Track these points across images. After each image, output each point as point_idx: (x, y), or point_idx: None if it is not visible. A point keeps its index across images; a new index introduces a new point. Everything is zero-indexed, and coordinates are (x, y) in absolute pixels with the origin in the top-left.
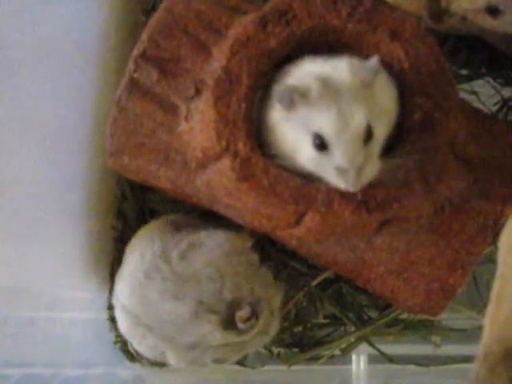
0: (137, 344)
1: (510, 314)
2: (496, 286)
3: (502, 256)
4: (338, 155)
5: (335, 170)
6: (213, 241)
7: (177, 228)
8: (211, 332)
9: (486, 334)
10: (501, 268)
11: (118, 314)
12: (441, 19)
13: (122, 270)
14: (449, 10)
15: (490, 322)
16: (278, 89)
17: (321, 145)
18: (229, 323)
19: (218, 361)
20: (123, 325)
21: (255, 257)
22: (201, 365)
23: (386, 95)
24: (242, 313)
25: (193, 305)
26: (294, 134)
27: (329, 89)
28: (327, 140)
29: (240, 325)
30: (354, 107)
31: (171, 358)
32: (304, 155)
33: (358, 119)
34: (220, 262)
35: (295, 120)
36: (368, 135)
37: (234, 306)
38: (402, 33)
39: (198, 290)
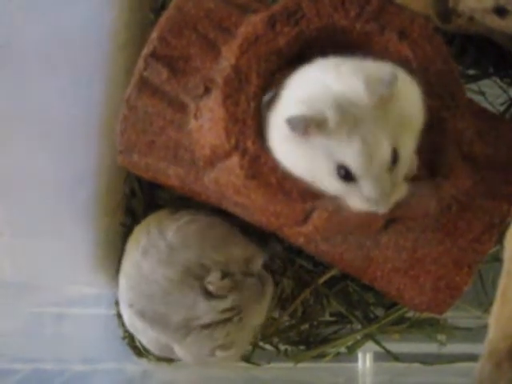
0: (143, 340)
1: None
2: (501, 283)
3: (507, 253)
4: (367, 187)
5: (361, 198)
6: (209, 218)
7: (173, 213)
8: (195, 301)
9: (492, 332)
10: (506, 265)
11: (122, 311)
12: (448, 19)
13: (121, 267)
14: (456, 10)
15: (496, 319)
16: (292, 119)
17: (346, 176)
18: (209, 293)
19: (223, 347)
20: (127, 321)
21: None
22: (206, 355)
23: (410, 101)
24: (211, 277)
25: (179, 270)
26: (309, 160)
27: (347, 116)
28: (353, 173)
29: (212, 288)
30: (377, 134)
31: (177, 351)
32: (326, 183)
33: (383, 148)
34: (207, 233)
35: (311, 147)
36: (394, 159)
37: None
38: (410, 33)
39: (184, 256)
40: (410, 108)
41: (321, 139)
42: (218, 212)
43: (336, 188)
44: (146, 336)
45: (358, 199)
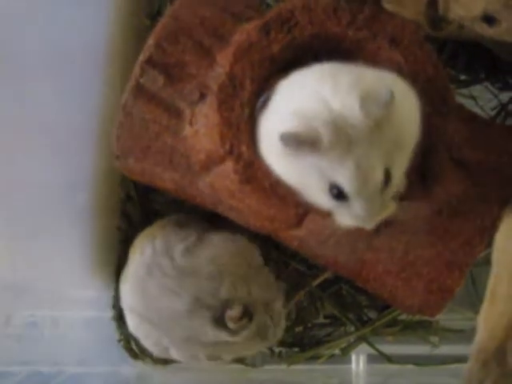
0: (143, 341)
1: (503, 312)
2: (490, 285)
3: (495, 256)
4: (358, 208)
5: (351, 215)
6: (220, 239)
7: (180, 226)
8: (202, 327)
9: (480, 332)
10: (495, 268)
11: (126, 314)
12: (439, 26)
13: (125, 272)
14: (446, 18)
15: (484, 320)
16: (284, 132)
17: (339, 194)
18: (222, 322)
19: (210, 357)
20: (130, 324)
21: (258, 260)
22: (198, 360)
23: (406, 119)
24: (233, 312)
25: (189, 300)
26: (300, 174)
27: (341, 136)
28: (346, 193)
29: (230, 324)
30: (371, 156)
31: (173, 353)
32: (316, 198)
33: (377, 170)
34: (223, 261)
35: (303, 163)
36: (386, 179)
37: (228, 305)
38: (401, 40)
39: (196, 285)
40: (406, 126)
41: (314, 156)
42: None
43: (326, 204)
44: (149, 338)
45: (348, 216)
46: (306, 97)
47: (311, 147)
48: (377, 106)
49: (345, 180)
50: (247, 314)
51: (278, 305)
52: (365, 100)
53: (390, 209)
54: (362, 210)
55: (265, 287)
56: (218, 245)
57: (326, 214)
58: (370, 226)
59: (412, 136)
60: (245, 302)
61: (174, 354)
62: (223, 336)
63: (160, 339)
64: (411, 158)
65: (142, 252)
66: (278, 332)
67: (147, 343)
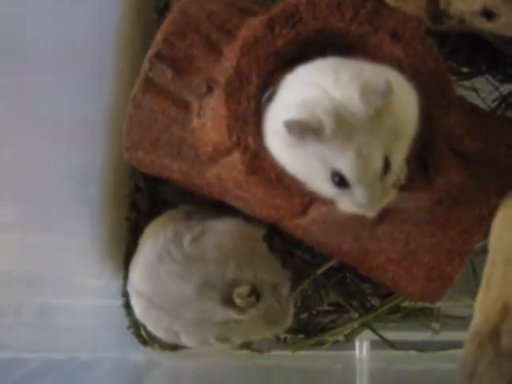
0: (152, 327)
1: (497, 297)
2: (486, 271)
3: (491, 244)
4: (359, 194)
5: (352, 202)
6: (223, 226)
7: (189, 216)
8: (212, 307)
9: (476, 315)
10: (490, 255)
11: (133, 300)
12: (440, 21)
13: (135, 259)
14: (447, 12)
15: (480, 303)
16: (288, 120)
17: (340, 182)
18: (230, 300)
19: (219, 338)
20: (138, 309)
21: (263, 246)
22: (207, 343)
23: (404, 109)
24: (241, 289)
25: (198, 284)
26: (304, 162)
27: (342, 125)
28: (348, 180)
29: (237, 300)
30: (371, 144)
31: (183, 338)
32: (319, 186)
33: (377, 157)
34: (227, 246)
35: (306, 151)
36: (386, 167)
37: (235, 285)
38: (403, 34)
39: (203, 270)
40: (404, 116)
41: (316, 145)
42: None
43: (329, 192)
44: (158, 324)
45: (349, 203)
46: (309, 88)
47: (314, 135)
48: (376, 96)
49: (346, 167)
50: (254, 293)
51: (286, 290)
52: (364, 90)
53: (390, 196)
54: (363, 196)
55: (270, 271)
56: (220, 232)
57: (331, 203)
58: (371, 213)
59: (410, 125)
60: (252, 283)
61: (184, 339)
62: (232, 314)
63: (170, 325)
64: (411, 148)
65: (153, 240)
66: (288, 318)
67: (156, 329)
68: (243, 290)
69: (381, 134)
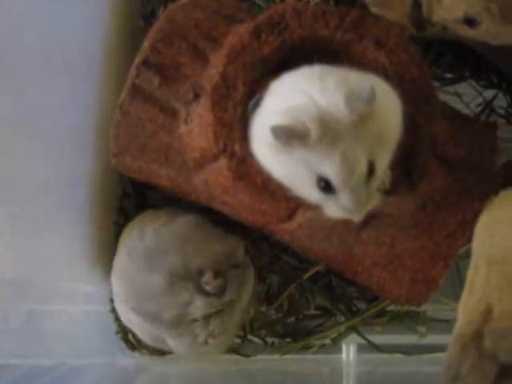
0: (139, 334)
1: (480, 300)
2: (469, 275)
3: (475, 248)
4: (345, 199)
5: (338, 207)
6: (183, 218)
7: (155, 213)
8: (191, 299)
9: (459, 318)
10: (474, 259)
11: (116, 305)
12: (423, 28)
13: (113, 264)
14: (430, 20)
15: (463, 306)
16: (274, 126)
17: (326, 187)
18: (205, 291)
19: (213, 335)
20: (121, 315)
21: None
22: (196, 344)
23: (388, 115)
24: (206, 277)
25: (165, 275)
26: (289, 168)
27: (327, 131)
28: (333, 185)
29: (208, 288)
30: (356, 149)
31: (170, 344)
32: (305, 191)
33: (361, 162)
34: (182, 235)
35: (292, 157)
36: (370, 171)
37: (201, 274)
38: (387, 42)
39: (167, 261)
40: (388, 122)
41: (302, 150)
42: (196, 209)
43: (315, 197)
44: (141, 329)
45: (335, 208)
46: (295, 95)
47: (300, 140)
48: (360, 102)
49: (331, 172)
50: (218, 274)
51: (241, 252)
52: (349, 97)
53: (375, 200)
54: (348, 201)
55: (221, 242)
56: (179, 222)
57: (316, 208)
58: (357, 217)
59: (394, 132)
60: (212, 266)
61: (171, 344)
62: (213, 301)
63: (154, 330)
64: (395, 154)
65: (123, 242)
66: (251, 271)
67: (143, 336)
68: (207, 276)
69: (365, 139)
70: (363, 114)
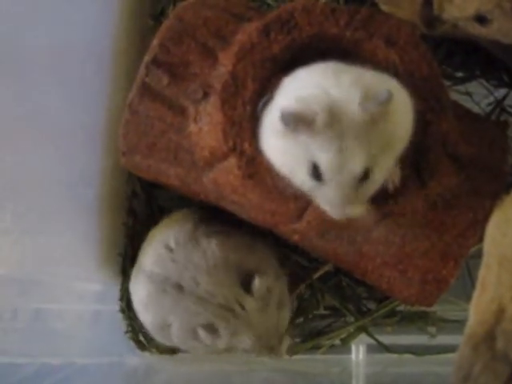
0: (151, 317)
1: (492, 299)
2: (481, 274)
3: (486, 247)
4: (331, 191)
5: (324, 197)
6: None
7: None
8: (232, 285)
9: (471, 318)
10: (485, 258)
11: (141, 285)
12: (433, 26)
13: (152, 243)
14: (441, 18)
15: (475, 306)
16: (284, 109)
17: (316, 175)
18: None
19: (208, 326)
20: (145, 294)
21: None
22: (194, 334)
23: (400, 122)
24: (257, 282)
25: (221, 258)
26: (292, 154)
27: (335, 122)
28: (323, 173)
29: (255, 289)
30: (356, 148)
31: (176, 328)
32: (299, 178)
33: (357, 162)
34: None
35: (295, 143)
36: (364, 176)
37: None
38: (397, 40)
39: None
40: (398, 128)
41: (305, 137)
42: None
43: (307, 185)
44: (158, 315)
45: (321, 198)
46: (308, 87)
47: (306, 126)
48: (375, 103)
49: (324, 160)
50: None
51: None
52: (365, 96)
53: (361, 210)
54: (332, 194)
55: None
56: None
57: None
58: (337, 214)
59: (403, 137)
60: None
61: (174, 329)
62: (247, 299)
63: (171, 309)
64: (405, 152)
65: (183, 225)
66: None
67: (154, 319)
68: (258, 283)
69: (369, 143)
70: (375, 116)
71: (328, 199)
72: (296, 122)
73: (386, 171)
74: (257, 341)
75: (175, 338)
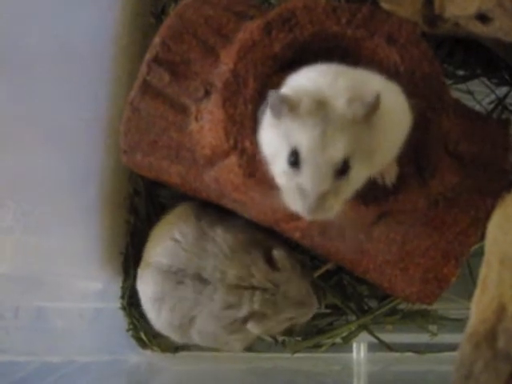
0: (166, 313)
1: (493, 297)
2: (482, 272)
3: (487, 245)
4: (305, 175)
5: (298, 190)
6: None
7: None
8: (256, 262)
9: (472, 316)
10: (486, 256)
11: (151, 281)
12: (435, 25)
13: (165, 238)
14: (442, 17)
15: (476, 304)
16: (272, 94)
17: (294, 161)
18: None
19: (254, 315)
20: (156, 289)
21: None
22: (233, 322)
23: (387, 133)
24: (278, 250)
25: (241, 238)
26: (276, 143)
27: (319, 109)
28: (301, 157)
29: (276, 255)
30: (338, 136)
31: (201, 321)
32: (278, 167)
33: (337, 149)
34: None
35: (280, 129)
36: (343, 170)
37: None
38: (398, 38)
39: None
40: (384, 141)
41: (289, 121)
42: None
43: (283, 172)
44: (176, 309)
45: (294, 190)
46: (304, 81)
47: (290, 109)
48: (359, 104)
49: (304, 141)
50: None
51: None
52: (354, 95)
53: (334, 208)
54: (308, 178)
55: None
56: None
57: None
58: (310, 213)
59: (384, 154)
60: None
61: (200, 324)
62: (270, 271)
63: (194, 303)
64: (405, 150)
65: (198, 217)
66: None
67: (173, 313)
68: (279, 250)
69: (351, 137)
70: (357, 116)
71: (300, 186)
72: (280, 104)
73: (362, 177)
74: (299, 308)
75: (198, 334)
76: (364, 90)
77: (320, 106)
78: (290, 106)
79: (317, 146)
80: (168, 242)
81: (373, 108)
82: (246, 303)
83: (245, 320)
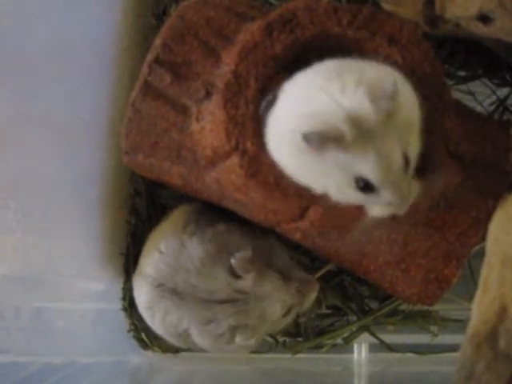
0: (159, 322)
1: (494, 297)
2: (483, 273)
3: (488, 246)
4: (387, 195)
5: (384, 204)
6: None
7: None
8: (219, 275)
9: (473, 316)
10: (488, 256)
11: (142, 290)
12: (436, 25)
13: (152, 251)
14: (443, 17)
15: (477, 305)
16: (306, 132)
17: (366, 187)
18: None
19: (234, 328)
20: (146, 299)
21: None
22: (225, 338)
23: (408, 103)
24: (238, 254)
25: (219, 246)
26: (322, 172)
27: (360, 130)
28: (373, 184)
29: (233, 262)
30: (389, 144)
31: (194, 334)
32: (342, 194)
33: (397, 156)
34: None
35: (324, 160)
36: (406, 162)
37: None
38: (399, 39)
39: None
40: (410, 109)
41: (336, 153)
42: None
43: (355, 198)
44: (165, 319)
45: (379, 207)
46: (316, 96)
47: (335, 144)
48: (385, 100)
49: (369, 171)
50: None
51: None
52: (373, 96)
53: (416, 188)
54: (391, 196)
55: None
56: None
57: (328, 206)
58: (402, 210)
59: (416, 116)
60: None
61: (194, 335)
62: (232, 282)
63: (180, 319)
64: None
65: (183, 225)
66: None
67: (164, 324)
68: (240, 254)
69: (395, 132)
70: (390, 112)
71: (387, 202)
72: (322, 141)
73: (417, 149)
74: (288, 294)
75: (199, 344)
76: (369, 76)
77: (360, 128)
78: (334, 142)
79: (382, 169)
80: (155, 253)
81: (396, 96)
82: (223, 319)
83: (232, 332)
